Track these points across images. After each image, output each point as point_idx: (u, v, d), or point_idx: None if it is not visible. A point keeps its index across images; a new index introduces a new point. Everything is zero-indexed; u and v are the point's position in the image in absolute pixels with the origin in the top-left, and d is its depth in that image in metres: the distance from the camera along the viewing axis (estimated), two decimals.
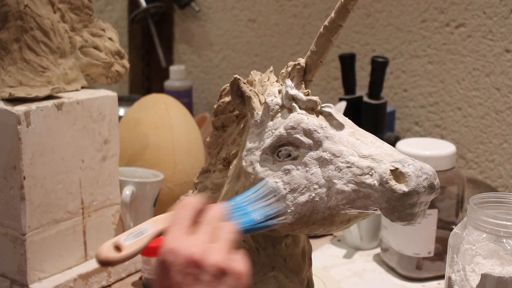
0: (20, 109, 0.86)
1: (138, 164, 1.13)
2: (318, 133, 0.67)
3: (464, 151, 1.33)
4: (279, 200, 0.67)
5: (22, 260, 0.89)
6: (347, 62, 1.32)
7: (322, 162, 0.66)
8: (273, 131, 0.69)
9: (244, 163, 0.71)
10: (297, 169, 0.67)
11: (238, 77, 0.71)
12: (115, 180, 1.01)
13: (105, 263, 0.60)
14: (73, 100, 0.93)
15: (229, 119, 0.77)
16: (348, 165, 0.65)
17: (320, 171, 0.67)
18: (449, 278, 0.80)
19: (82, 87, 0.99)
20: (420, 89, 1.36)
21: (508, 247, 0.75)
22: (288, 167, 0.68)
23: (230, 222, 0.63)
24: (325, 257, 1.08)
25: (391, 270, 1.04)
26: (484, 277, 0.75)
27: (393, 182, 0.62)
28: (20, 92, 0.89)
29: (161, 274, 0.60)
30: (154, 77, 1.79)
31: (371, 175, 0.63)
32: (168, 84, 1.56)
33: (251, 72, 0.76)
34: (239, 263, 0.60)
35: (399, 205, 0.62)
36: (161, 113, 1.17)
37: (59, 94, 0.93)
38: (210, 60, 1.67)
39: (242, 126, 0.76)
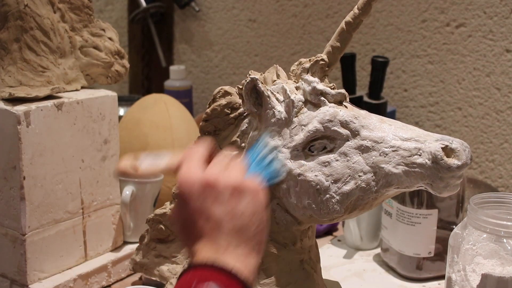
0: (20, 109, 0.86)
1: None
2: (354, 123, 0.71)
3: None
4: (276, 159, 0.71)
5: (22, 260, 0.89)
6: (347, 62, 1.31)
7: (363, 150, 0.70)
8: (303, 127, 0.71)
9: None
10: (337, 160, 0.70)
11: (256, 77, 0.72)
12: (115, 180, 1.00)
13: (121, 173, 0.65)
14: (73, 100, 0.93)
15: (224, 122, 0.77)
16: (394, 149, 0.69)
17: (362, 158, 0.70)
18: (450, 278, 0.80)
19: (82, 87, 0.99)
20: (421, 89, 1.36)
21: (509, 247, 0.75)
22: (325, 159, 0.70)
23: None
24: (325, 257, 1.08)
25: (391, 270, 1.03)
26: (485, 277, 0.75)
27: (446, 159, 0.67)
28: (20, 92, 0.89)
29: (180, 207, 0.62)
30: (154, 77, 1.79)
31: (419, 155, 0.68)
32: (168, 84, 1.56)
33: (250, 72, 0.76)
34: (253, 181, 0.62)
35: (450, 178, 0.68)
36: (161, 113, 1.17)
37: (59, 94, 0.93)
38: (210, 60, 1.67)
39: (243, 127, 0.76)
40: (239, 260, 0.59)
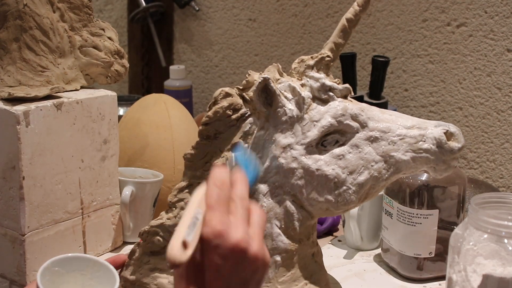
0: (19, 109, 0.86)
1: (138, 164, 1.13)
2: (362, 115, 0.74)
3: (465, 151, 1.32)
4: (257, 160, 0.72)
5: (21, 261, 0.89)
6: (348, 61, 1.31)
7: (373, 141, 0.74)
8: (315, 122, 0.73)
9: (283, 161, 0.73)
10: (350, 152, 0.74)
11: (267, 76, 0.72)
12: (115, 180, 1.00)
13: (179, 266, 0.58)
14: (72, 100, 0.93)
15: (226, 124, 0.76)
16: (401, 137, 0.74)
17: (373, 149, 0.74)
18: (450, 278, 0.79)
19: (82, 87, 0.99)
20: (421, 88, 1.36)
21: (510, 248, 0.75)
22: (339, 152, 0.73)
23: (256, 204, 0.64)
24: (325, 257, 1.07)
25: (392, 270, 1.03)
26: (486, 277, 0.75)
27: (449, 142, 0.73)
28: (19, 92, 0.89)
29: (202, 253, 0.59)
30: (154, 76, 1.79)
31: (424, 141, 0.73)
32: (168, 83, 1.56)
33: (249, 72, 0.76)
34: (268, 254, 0.62)
35: (451, 160, 0.74)
36: (161, 112, 1.17)
37: (59, 94, 0.93)
38: (210, 59, 1.67)
39: (246, 128, 0.76)
40: None
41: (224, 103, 0.76)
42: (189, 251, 0.57)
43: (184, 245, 0.57)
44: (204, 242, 0.59)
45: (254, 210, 0.63)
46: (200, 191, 0.61)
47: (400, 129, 0.74)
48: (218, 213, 0.59)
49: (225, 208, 0.60)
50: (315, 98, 0.75)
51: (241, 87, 0.75)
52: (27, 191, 0.88)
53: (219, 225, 0.58)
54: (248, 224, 0.61)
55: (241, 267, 0.59)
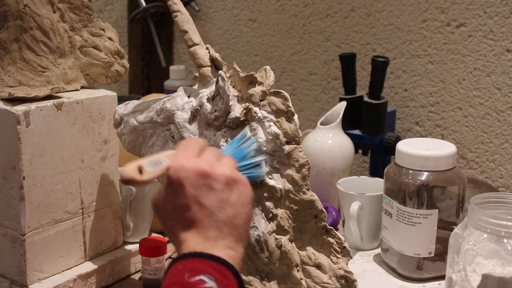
0: (19, 109, 0.86)
1: None
2: None
3: (465, 151, 1.33)
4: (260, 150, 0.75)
5: (21, 260, 0.89)
6: (348, 61, 1.31)
7: None
8: None
9: None
10: None
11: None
12: (115, 180, 1.00)
13: (129, 182, 0.64)
14: (72, 100, 0.93)
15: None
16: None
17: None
18: (450, 278, 0.80)
19: (82, 87, 0.99)
20: (421, 89, 1.36)
21: (509, 247, 0.75)
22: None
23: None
24: None
25: (392, 270, 1.03)
26: (485, 277, 0.75)
27: None
28: (19, 92, 0.89)
29: (173, 193, 0.63)
30: (154, 77, 1.79)
31: None
32: (168, 83, 1.56)
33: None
34: (243, 176, 0.66)
35: None
36: None
37: (59, 94, 0.93)
38: None
39: None
40: (228, 249, 0.61)
41: None
42: (144, 177, 0.64)
43: (140, 170, 0.64)
44: (170, 180, 0.63)
45: (224, 157, 0.67)
46: (171, 151, 0.68)
47: None
48: (185, 153, 0.65)
49: (194, 152, 0.65)
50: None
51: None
52: (28, 191, 0.88)
53: (183, 161, 0.63)
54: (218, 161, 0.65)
55: (214, 188, 0.62)
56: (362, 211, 1.07)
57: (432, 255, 0.99)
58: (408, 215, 0.98)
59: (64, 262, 0.94)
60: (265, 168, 0.75)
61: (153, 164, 0.65)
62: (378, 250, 1.09)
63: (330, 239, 0.77)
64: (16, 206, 0.88)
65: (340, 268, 0.76)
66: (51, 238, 0.92)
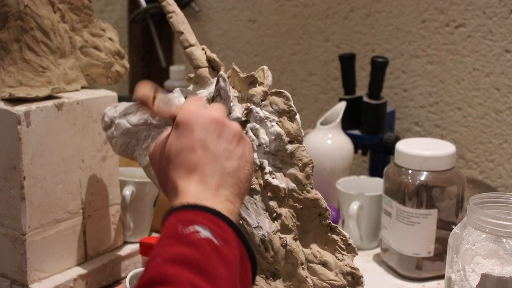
0: (20, 109, 0.86)
1: (138, 164, 1.13)
2: None
3: (464, 151, 1.33)
4: None
5: (22, 260, 0.89)
6: (347, 62, 1.32)
7: None
8: None
9: None
10: None
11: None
12: (115, 180, 1.01)
13: (143, 100, 0.65)
14: (73, 100, 0.93)
15: None
16: None
17: None
18: (449, 278, 0.80)
19: (82, 87, 0.99)
20: (420, 89, 1.37)
21: (508, 247, 0.75)
22: None
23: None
24: None
25: (391, 270, 1.04)
26: (484, 277, 0.75)
27: None
28: (20, 92, 0.89)
29: (181, 135, 0.63)
30: (154, 77, 1.79)
31: None
32: (168, 84, 1.56)
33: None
34: (246, 137, 0.67)
35: None
36: None
37: (59, 94, 0.93)
38: None
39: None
40: (227, 202, 0.61)
41: None
42: (154, 106, 0.66)
43: (154, 96, 0.66)
44: (181, 121, 0.63)
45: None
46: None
47: None
48: (193, 103, 0.65)
49: (203, 103, 0.67)
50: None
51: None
52: (28, 191, 0.88)
53: (195, 107, 0.64)
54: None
55: (223, 136, 0.63)
56: (362, 211, 1.08)
57: (431, 255, 0.99)
58: (408, 215, 0.98)
59: (64, 262, 0.94)
60: None
61: (164, 103, 0.66)
62: (378, 250, 1.09)
63: (335, 237, 0.77)
64: (16, 206, 0.88)
65: (346, 265, 0.76)
66: (52, 238, 0.92)
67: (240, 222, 0.74)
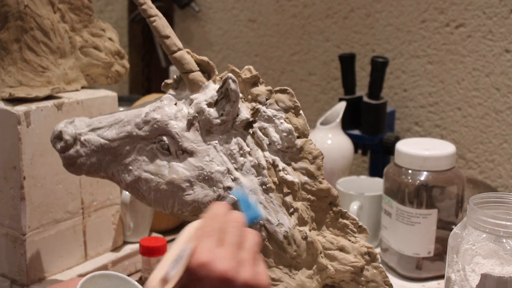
0: (20, 109, 0.87)
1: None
2: None
3: (464, 151, 1.33)
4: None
5: (22, 260, 0.89)
6: (347, 62, 1.32)
7: None
8: None
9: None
10: None
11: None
12: None
13: None
14: (73, 100, 0.93)
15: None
16: None
17: None
18: (449, 278, 0.80)
19: (82, 87, 0.99)
20: (420, 89, 1.37)
21: (508, 247, 0.75)
22: None
23: (250, 228, 0.65)
24: None
25: (391, 270, 1.04)
26: (484, 277, 0.75)
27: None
28: (20, 92, 0.89)
29: (190, 285, 0.60)
30: (154, 77, 1.79)
31: None
32: None
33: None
34: (264, 276, 0.61)
35: None
36: None
37: (59, 94, 0.93)
38: (210, 60, 1.67)
39: None
40: None
41: None
42: (169, 286, 0.58)
43: (164, 281, 0.59)
44: (191, 273, 0.59)
45: (248, 235, 0.63)
46: (193, 225, 0.63)
47: None
48: (206, 244, 0.60)
49: (216, 238, 0.61)
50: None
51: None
52: (28, 191, 0.88)
53: (206, 255, 0.59)
54: (241, 249, 0.61)
55: None
56: (362, 211, 1.08)
57: (431, 254, 0.99)
58: (408, 215, 0.98)
59: (64, 262, 0.95)
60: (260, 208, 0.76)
61: (175, 263, 0.60)
62: (378, 250, 1.09)
63: (346, 221, 0.79)
64: (16, 206, 0.88)
65: (362, 246, 0.79)
66: (52, 238, 0.92)
67: (262, 222, 0.75)
